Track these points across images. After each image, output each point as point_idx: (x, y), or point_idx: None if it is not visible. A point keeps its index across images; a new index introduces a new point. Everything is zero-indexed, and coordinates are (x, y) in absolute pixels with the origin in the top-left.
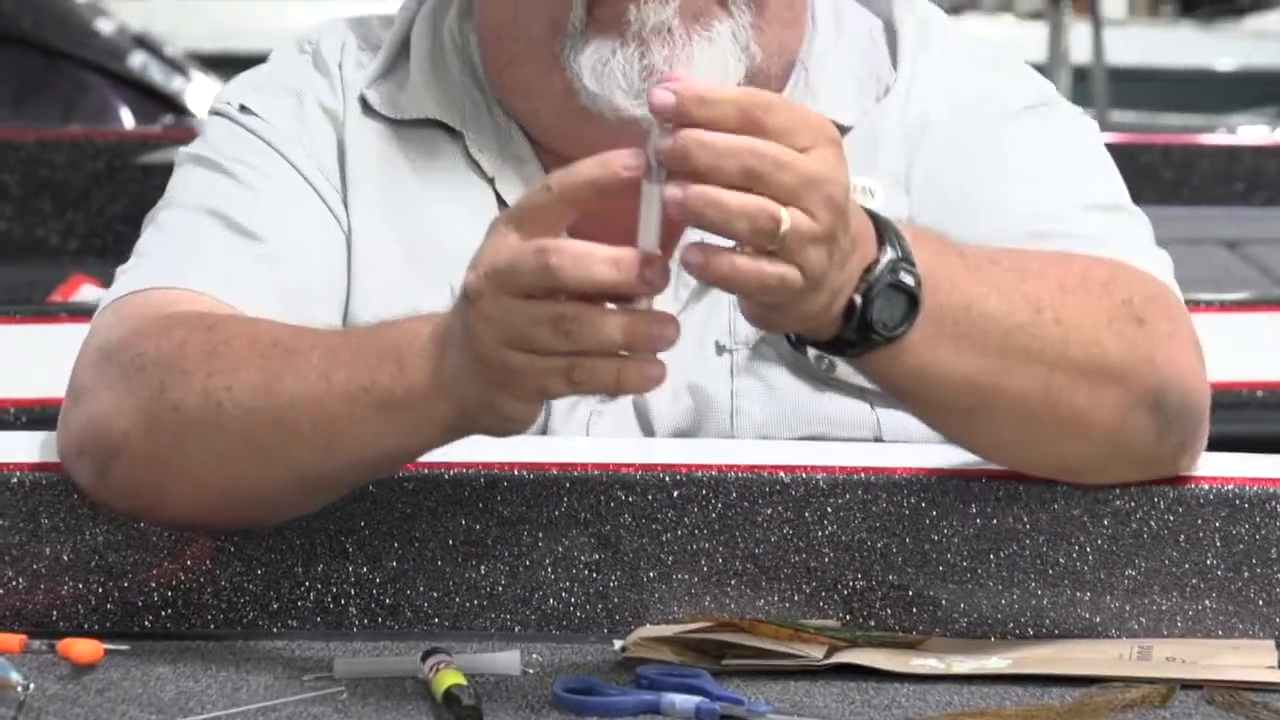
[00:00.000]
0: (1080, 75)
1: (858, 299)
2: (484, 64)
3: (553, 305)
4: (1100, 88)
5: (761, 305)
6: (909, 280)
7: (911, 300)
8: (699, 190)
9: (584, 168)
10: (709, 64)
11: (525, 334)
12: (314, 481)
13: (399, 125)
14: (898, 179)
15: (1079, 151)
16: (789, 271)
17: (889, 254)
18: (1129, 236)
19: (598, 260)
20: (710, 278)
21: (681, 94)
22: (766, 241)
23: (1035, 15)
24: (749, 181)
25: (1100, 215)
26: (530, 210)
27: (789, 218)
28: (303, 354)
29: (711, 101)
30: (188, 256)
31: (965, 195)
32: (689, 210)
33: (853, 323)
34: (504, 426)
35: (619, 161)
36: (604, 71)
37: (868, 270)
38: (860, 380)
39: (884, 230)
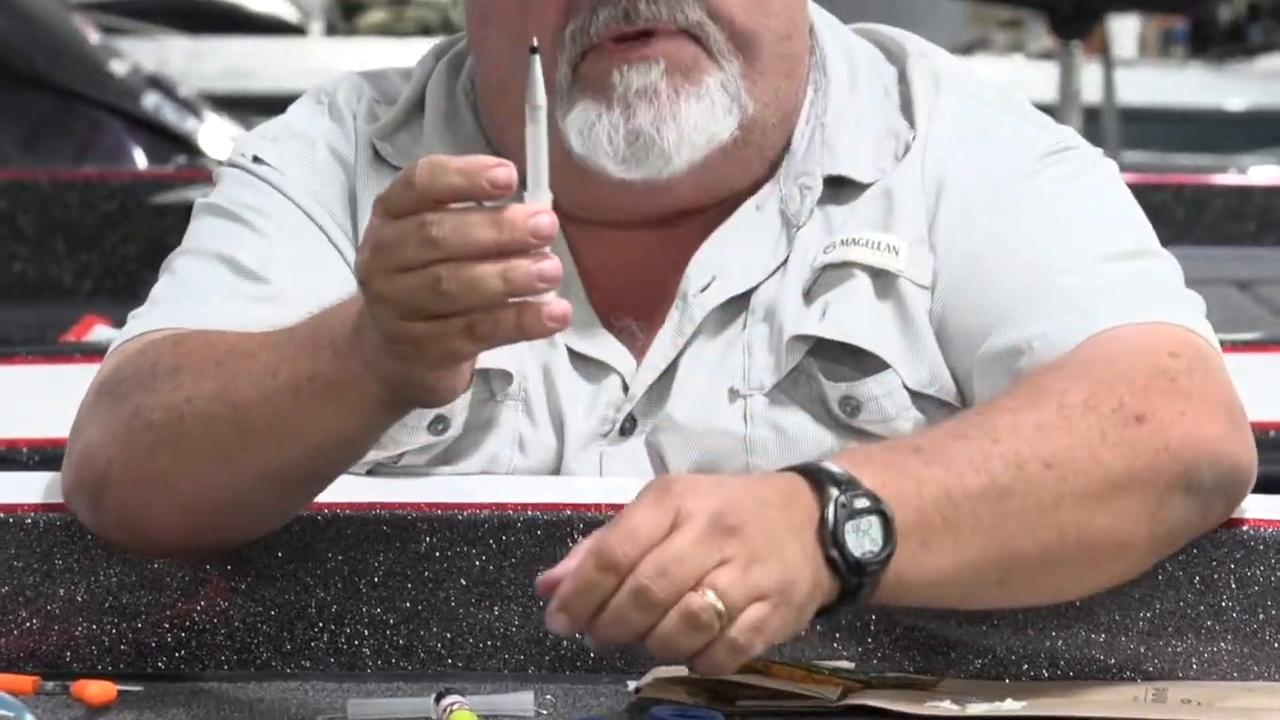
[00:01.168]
0: (1091, 115)
1: (834, 553)
2: (487, 122)
3: (429, 270)
4: (1111, 128)
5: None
6: (865, 502)
7: (882, 516)
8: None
9: (450, 174)
10: (696, 122)
11: (414, 304)
12: (279, 477)
13: None
14: (920, 237)
15: (1102, 197)
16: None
17: (831, 494)
18: (1154, 283)
19: (476, 222)
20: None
21: None
22: (707, 630)
23: (1046, 55)
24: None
25: (1122, 264)
26: (400, 198)
27: (711, 599)
28: (254, 355)
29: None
30: (193, 300)
31: (990, 250)
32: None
33: (842, 573)
34: (432, 398)
35: (486, 175)
36: (590, 136)
37: (820, 527)
38: (879, 428)
39: (816, 477)
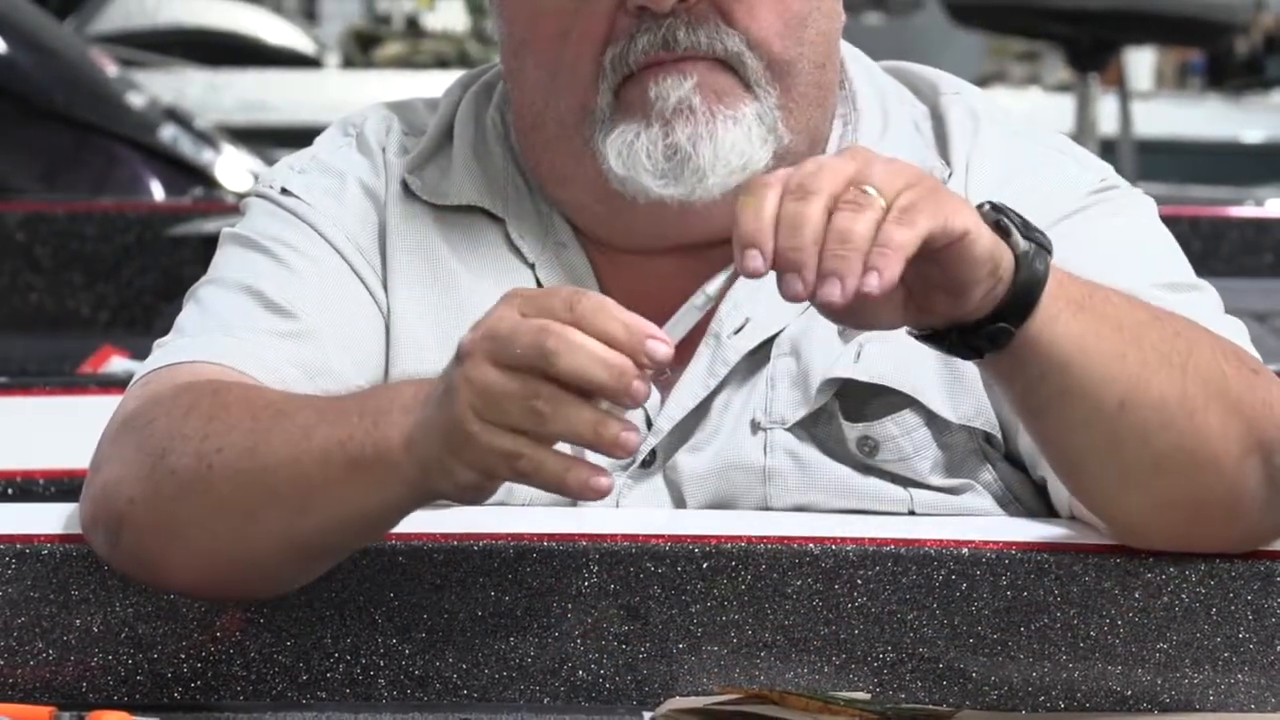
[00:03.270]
0: (1108, 147)
1: (1001, 218)
2: (522, 153)
3: (531, 382)
4: (1128, 160)
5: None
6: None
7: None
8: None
9: (612, 320)
10: (733, 144)
11: (498, 404)
12: (295, 546)
13: (441, 210)
14: None
15: (1147, 232)
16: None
17: (984, 203)
18: (1205, 313)
19: (593, 357)
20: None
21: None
22: (871, 207)
23: (1063, 88)
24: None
25: (1176, 295)
26: (546, 304)
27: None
28: (291, 415)
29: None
30: (218, 332)
31: None
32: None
33: (1014, 236)
34: (460, 495)
35: (646, 344)
36: (629, 154)
37: (979, 212)
38: (898, 467)
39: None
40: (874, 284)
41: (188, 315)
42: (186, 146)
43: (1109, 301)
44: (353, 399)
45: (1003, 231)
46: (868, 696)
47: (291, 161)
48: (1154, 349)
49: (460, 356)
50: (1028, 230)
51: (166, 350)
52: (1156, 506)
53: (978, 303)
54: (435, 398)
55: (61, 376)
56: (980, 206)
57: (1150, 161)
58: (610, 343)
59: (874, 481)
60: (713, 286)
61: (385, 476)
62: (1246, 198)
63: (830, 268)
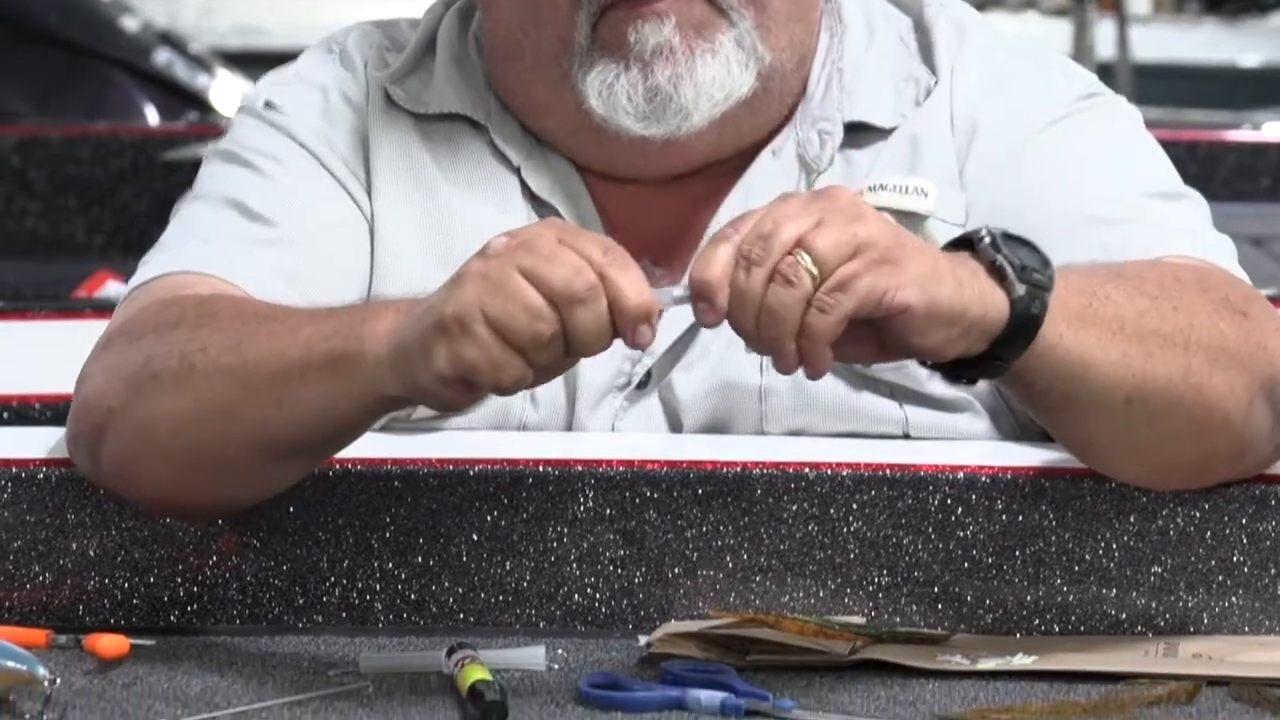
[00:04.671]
0: (1105, 72)
1: (999, 260)
2: (495, 82)
3: (546, 309)
4: (1125, 84)
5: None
6: (1015, 233)
7: (1032, 247)
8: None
9: (633, 291)
10: (714, 79)
11: (509, 311)
12: (266, 443)
13: (423, 120)
14: (950, 178)
15: (1134, 140)
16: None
17: (981, 231)
18: (1193, 223)
19: (604, 324)
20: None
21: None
22: (799, 287)
23: (1060, 12)
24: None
25: (1163, 203)
26: (584, 245)
27: (802, 257)
28: (280, 319)
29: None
30: (202, 244)
31: (1026, 190)
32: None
33: (1010, 280)
34: (429, 387)
35: (640, 325)
36: (609, 95)
37: (973, 244)
38: (890, 375)
39: (965, 235)
40: (809, 375)
41: (171, 230)
42: (181, 71)
43: (1109, 301)
44: (345, 306)
45: (998, 273)
46: (863, 620)
47: (275, 78)
48: (1155, 335)
49: (485, 254)
50: (1025, 271)
51: (150, 266)
52: (1167, 467)
53: (956, 349)
54: (436, 292)
55: (57, 301)
56: (979, 241)
57: (1147, 86)
58: (619, 305)
59: (869, 398)
60: (680, 289)
61: (361, 364)
62: (1243, 122)
63: (766, 341)
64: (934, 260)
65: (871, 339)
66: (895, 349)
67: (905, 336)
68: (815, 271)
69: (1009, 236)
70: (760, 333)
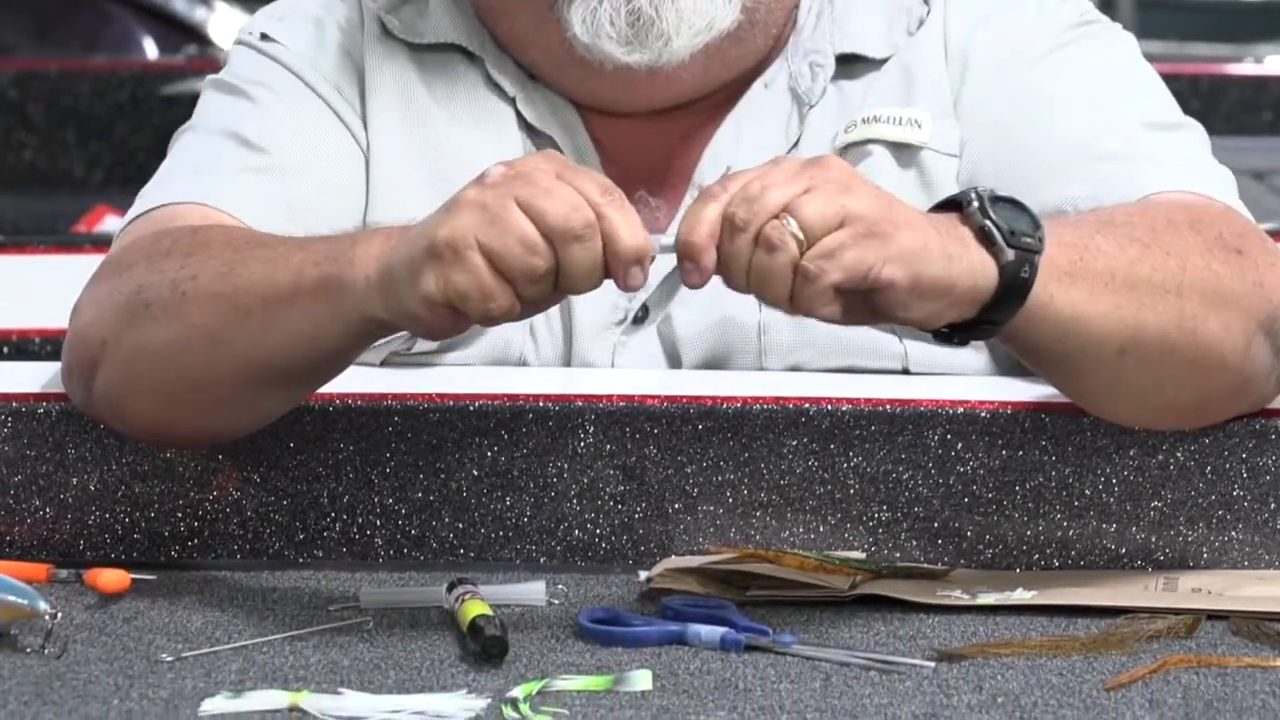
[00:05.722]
0: (1107, 4)
1: (986, 224)
2: (481, 14)
3: (541, 243)
4: (1127, 17)
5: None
6: (1004, 194)
7: (1022, 208)
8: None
9: (628, 232)
10: (695, 6)
11: (504, 241)
12: (254, 369)
13: (419, 50)
14: (944, 108)
15: (1129, 69)
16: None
17: (970, 194)
18: (1191, 156)
19: (598, 265)
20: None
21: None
22: (784, 252)
23: None
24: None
25: (1161, 134)
26: (583, 182)
27: (789, 223)
28: (272, 245)
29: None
30: (198, 174)
31: (1021, 121)
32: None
33: (999, 245)
34: (416, 309)
35: (630, 268)
36: (593, 21)
37: (963, 207)
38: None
39: (953, 196)
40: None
41: (168, 163)
42: (179, 4)
43: (1099, 253)
44: (336, 233)
45: (986, 239)
46: (863, 555)
47: (271, 10)
48: (1147, 284)
49: (483, 183)
50: (1014, 236)
51: (146, 198)
52: (1165, 410)
53: (945, 319)
54: (429, 217)
55: (56, 235)
56: (967, 205)
57: (1149, 18)
58: (614, 246)
59: (869, 333)
60: (668, 238)
61: (349, 287)
62: (1246, 55)
63: (764, 301)
64: (924, 234)
65: (864, 305)
66: (885, 318)
67: (891, 310)
68: (801, 237)
69: (997, 198)
70: (753, 293)
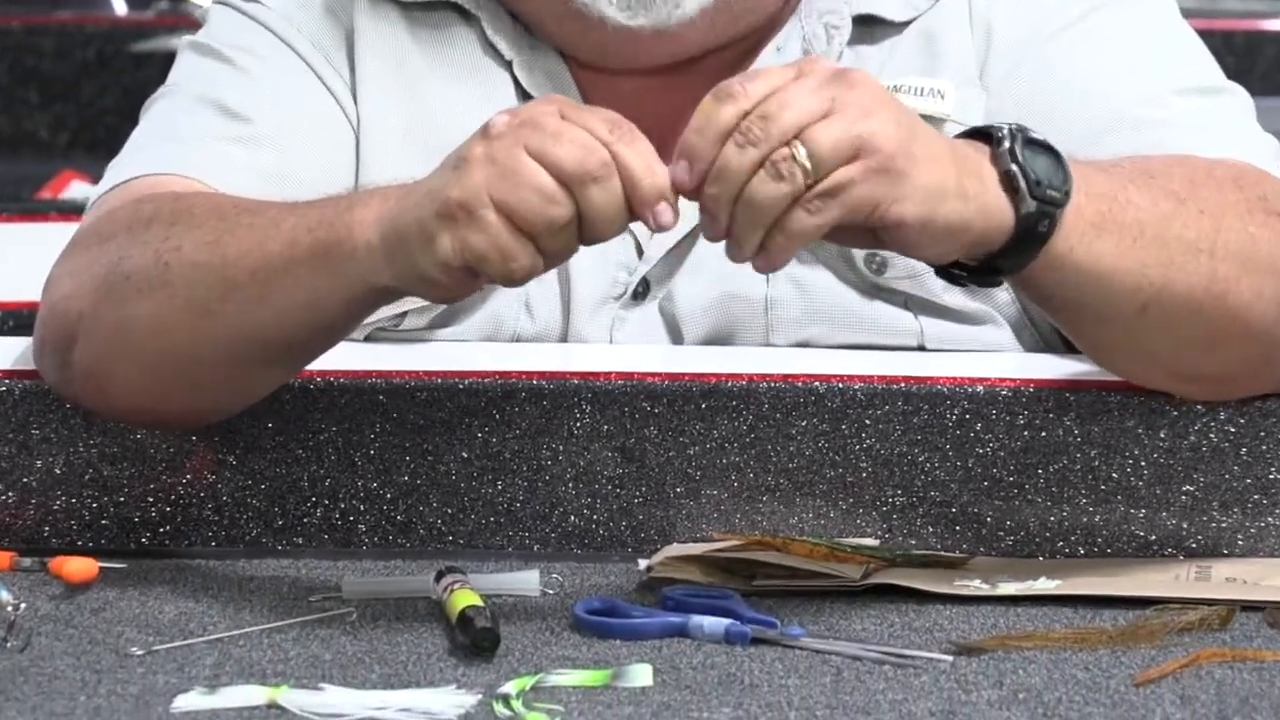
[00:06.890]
0: None
1: (1012, 168)
2: None
3: (559, 191)
4: None
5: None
6: (1039, 136)
7: (1054, 155)
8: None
9: (644, 163)
10: None
11: (519, 194)
12: (248, 343)
13: (412, 10)
14: (969, 77)
15: (1168, 31)
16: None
17: (1004, 131)
18: (1231, 121)
19: (620, 205)
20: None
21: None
22: (788, 181)
23: None
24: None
25: (1199, 99)
26: (589, 120)
27: (798, 150)
28: (260, 212)
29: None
30: (177, 143)
31: (1052, 90)
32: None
33: (1022, 193)
34: (433, 276)
35: (658, 203)
36: None
37: (995, 143)
38: (905, 286)
39: (988, 127)
40: (760, 266)
41: (142, 129)
42: None
43: (1130, 205)
44: (328, 197)
45: (1010, 184)
46: (876, 542)
47: None
48: (1179, 241)
49: (488, 135)
50: (1039, 186)
51: (120, 168)
52: (1185, 376)
53: (952, 258)
54: (434, 175)
55: (19, 203)
56: (998, 143)
57: None
58: (631, 184)
59: (881, 307)
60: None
61: (350, 254)
62: None
63: (736, 226)
64: (942, 170)
65: (865, 232)
66: (885, 248)
67: (896, 246)
68: (809, 167)
69: (1031, 140)
70: (732, 213)
